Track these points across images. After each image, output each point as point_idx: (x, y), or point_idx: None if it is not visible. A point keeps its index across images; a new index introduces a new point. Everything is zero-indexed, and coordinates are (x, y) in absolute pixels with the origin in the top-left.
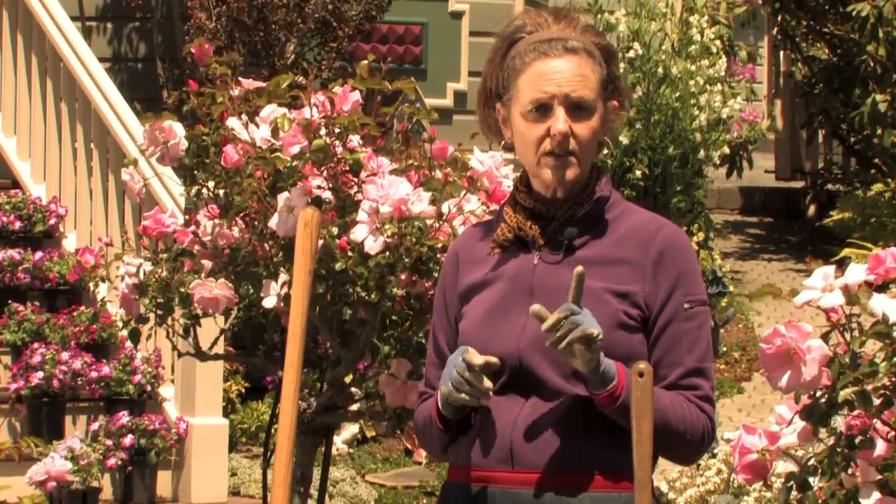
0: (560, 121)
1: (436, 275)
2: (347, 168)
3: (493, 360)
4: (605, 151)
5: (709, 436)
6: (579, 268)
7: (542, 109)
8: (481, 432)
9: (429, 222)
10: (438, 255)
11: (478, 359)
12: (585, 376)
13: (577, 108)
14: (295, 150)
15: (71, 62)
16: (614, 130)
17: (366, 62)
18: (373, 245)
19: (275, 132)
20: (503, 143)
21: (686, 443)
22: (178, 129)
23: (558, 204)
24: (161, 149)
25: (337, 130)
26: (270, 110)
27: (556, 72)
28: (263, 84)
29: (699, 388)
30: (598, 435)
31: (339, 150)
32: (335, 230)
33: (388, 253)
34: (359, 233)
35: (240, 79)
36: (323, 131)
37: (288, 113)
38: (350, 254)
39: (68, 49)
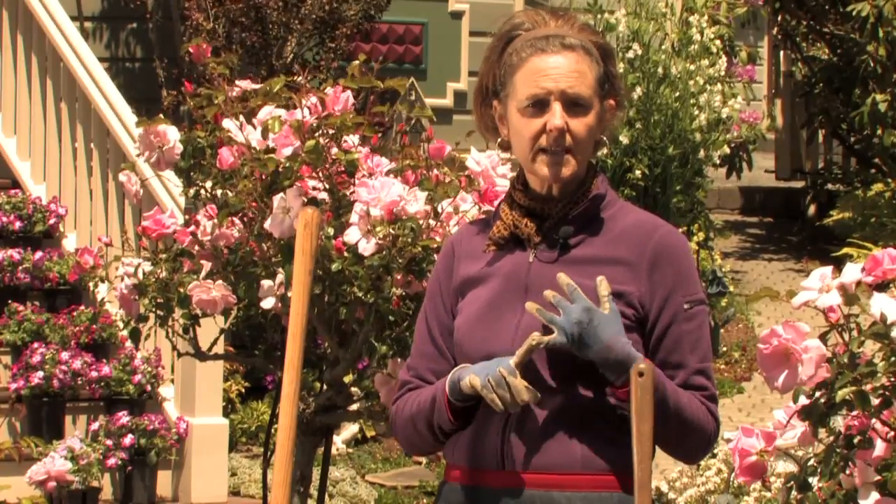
0: (556, 116)
1: (430, 274)
2: (342, 169)
3: (535, 395)
4: (604, 151)
5: (715, 436)
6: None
7: (539, 105)
8: (475, 432)
9: (422, 222)
10: (433, 256)
11: (526, 395)
12: (605, 367)
13: (573, 105)
14: (287, 151)
15: (71, 62)
16: (612, 130)
17: (356, 62)
18: (366, 247)
19: (264, 132)
20: (500, 140)
21: (696, 442)
22: (172, 132)
23: (554, 202)
24: (156, 153)
25: (330, 132)
26: (267, 112)
27: (553, 68)
28: (259, 86)
29: (705, 388)
30: (591, 435)
31: (334, 150)
32: (331, 231)
33: (383, 253)
34: (352, 235)
35: (236, 80)
36: (317, 133)
37: (284, 114)
38: (346, 254)
39: (68, 49)
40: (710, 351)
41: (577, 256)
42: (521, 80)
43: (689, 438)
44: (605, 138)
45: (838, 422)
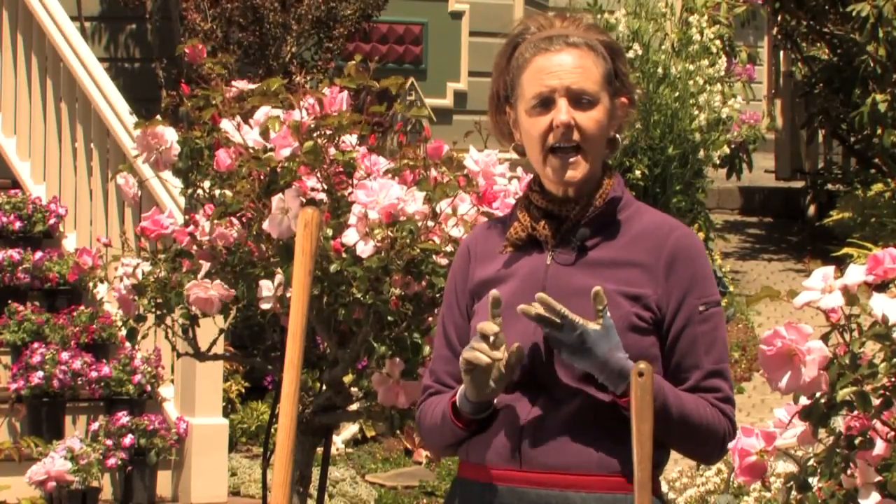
0: (562, 112)
1: (429, 276)
2: (341, 169)
3: (515, 349)
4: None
5: (730, 437)
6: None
7: (545, 103)
8: (491, 430)
9: (421, 224)
10: (432, 257)
11: (496, 328)
12: (602, 378)
13: (579, 100)
14: (286, 152)
15: (71, 62)
16: (623, 129)
17: (353, 62)
18: (364, 248)
19: (264, 134)
20: (514, 146)
21: (707, 445)
22: (170, 133)
23: (571, 204)
24: (154, 154)
25: (328, 132)
26: (264, 112)
27: (557, 65)
28: (256, 86)
29: (719, 389)
30: (606, 436)
31: (332, 151)
32: (329, 231)
33: (382, 254)
34: (350, 237)
35: (233, 81)
36: (315, 133)
37: (281, 115)
38: (344, 255)
39: (68, 49)
40: (726, 353)
41: (594, 259)
42: (527, 80)
43: (699, 443)
44: (619, 137)
45: (838, 422)
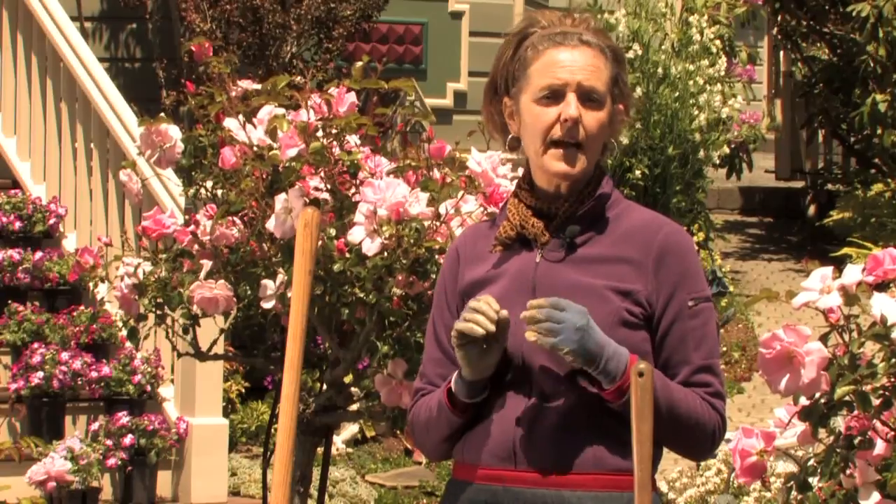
0: (571, 106)
1: (433, 276)
2: (345, 169)
3: (504, 313)
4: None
5: (720, 432)
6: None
7: (554, 96)
8: (485, 430)
9: (426, 223)
10: (436, 257)
11: (497, 304)
12: (602, 362)
13: (588, 98)
14: (292, 152)
15: (71, 62)
16: (618, 135)
17: (360, 63)
18: (370, 246)
19: (272, 134)
20: (509, 139)
21: (696, 439)
22: (174, 131)
23: (560, 202)
24: (157, 152)
25: (334, 132)
26: (268, 111)
27: (571, 60)
28: (260, 85)
29: (709, 384)
30: (601, 434)
31: (337, 151)
32: (333, 231)
33: (385, 254)
34: (356, 234)
35: (238, 80)
36: (320, 133)
37: (285, 113)
38: (348, 255)
39: (68, 49)
40: (717, 348)
41: (583, 255)
42: (537, 71)
43: (687, 436)
44: (613, 142)
45: (838, 422)
